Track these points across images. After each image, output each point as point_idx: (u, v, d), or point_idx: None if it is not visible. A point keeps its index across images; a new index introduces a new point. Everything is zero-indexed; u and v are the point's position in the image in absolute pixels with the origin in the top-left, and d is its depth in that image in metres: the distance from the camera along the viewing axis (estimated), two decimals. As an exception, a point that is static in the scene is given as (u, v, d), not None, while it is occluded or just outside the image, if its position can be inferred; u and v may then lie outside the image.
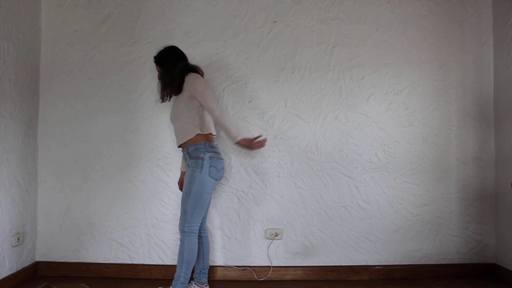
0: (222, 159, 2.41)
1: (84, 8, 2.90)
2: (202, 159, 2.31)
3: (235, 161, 2.87)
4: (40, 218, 2.88)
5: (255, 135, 2.83)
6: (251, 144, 2.31)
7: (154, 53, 2.46)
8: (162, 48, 2.47)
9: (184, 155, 2.45)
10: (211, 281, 2.78)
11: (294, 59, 2.89)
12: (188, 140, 2.35)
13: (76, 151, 2.87)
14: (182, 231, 2.34)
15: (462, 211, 2.90)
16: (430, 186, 2.89)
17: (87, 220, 2.87)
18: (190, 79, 2.34)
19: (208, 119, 2.44)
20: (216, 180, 2.36)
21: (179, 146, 2.43)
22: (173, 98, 2.50)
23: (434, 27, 2.92)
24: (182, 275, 2.35)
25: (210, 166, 2.32)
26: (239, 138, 2.30)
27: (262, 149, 2.85)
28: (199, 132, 2.35)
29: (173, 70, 2.38)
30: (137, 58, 2.88)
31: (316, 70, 2.89)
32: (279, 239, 2.86)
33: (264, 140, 2.34)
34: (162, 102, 2.49)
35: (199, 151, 2.33)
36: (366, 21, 2.91)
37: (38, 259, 2.87)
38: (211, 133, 2.44)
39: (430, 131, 2.90)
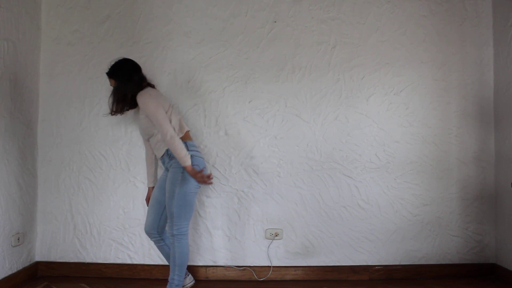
0: (203, 158, 2.40)
1: (84, 8, 2.90)
2: None
3: (235, 161, 2.87)
4: (40, 218, 2.88)
5: (255, 136, 2.85)
6: (195, 175, 2.26)
7: (107, 68, 2.42)
8: (116, 61, 2.42)
9: (163, 161, 2.42)
10: (211, 281, 2.79)
11: (294, 59, 2.89)
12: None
13: (76, 151, 2.87)
14: (172, 234, 2.33)
15: (462, 211, 2.90)
16: (430, 186, 2.89)
17: (87, 220, 2.87)
18: (141, 100, 2.28)
19: (179, 118, 2.40)
20: None
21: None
22: (131, 111, 2.47)
23: (434, 27, 2.92)
24: (175, 278, 2.35)
25: (192, 165, 2.29)
26: (188, 164, 2.25)
27: (262, 149, 2.86)
28: (179, 135, 2.33)
29: (127, 84, 2.35)
30: (137, 58, 2.87)
31: (316, 70, 2.89)
32: (279, 239, 2.86)
33: (210, 178, 2.28)
34: (112, 115, 2.45)
35: None
36: (366, 21, 2.91)
37: (38, 259, 2.88)
38: (187, 131, 2.42)
39: (430, 131, 2.90)
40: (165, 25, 2.89)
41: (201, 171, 2.26)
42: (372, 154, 2.88)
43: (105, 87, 2.86)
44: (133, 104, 2.42)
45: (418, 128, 2.90)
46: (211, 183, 2.31)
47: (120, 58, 2.44)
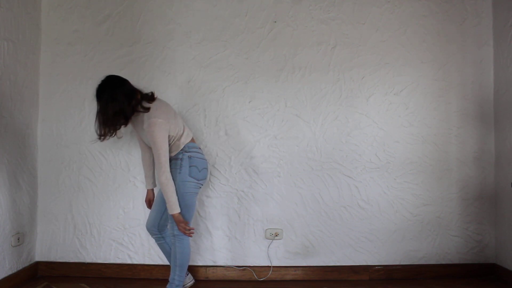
0: (204, 159, 2.39)
1: (84, 8, 2.90)
2: (181, 159, 2.29)
3: (235, 161, 2.87)
4: (40, 218, 2.88)
5: (255, 136, 2.85)
6: (179, 224, 2.26)
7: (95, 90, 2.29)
8: (99, 83, 2.28)
9: None
10: (211, 281, 2.79)
11: (294, 59, 2.89)
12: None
13: (76, 151, 2.87)
14: (173, 234, 2.33)
15: (462, 211, 2.90)
16: (430, 186, 2.89)
17: (87, 220, 2.87)
18: (149, 130, 2.20)
19: (183, 129, 2.37)
20: (198, 180, 2.33)
21: None
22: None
23: (434, 27, 2.92)
24: (176, 278, 2.35)
25: (190, 166, 2.29)
26: (175, 212, 2.24)
27: (262, 149, 2.86)
28: (183, 147, 2.32)
29: (112, 104, 2.20)
30: (137, 58, 2.88)
31: (316, 70, 2.89)
32: (279, 239, 2.86)
33: (191, 232, 2.30)
34: (103, 140, 2.29)
35: (178, 152, 2.32)
36: (366, 21, 2.91)
37: (38, 259, 2.88)
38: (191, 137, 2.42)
39: (430, 131, 2.90)
40: (165, 25, 2.89)
41: (185, 222, 2.28)
42: (372, 154, 2.88)
43: (105, 87, 2.87)
44: (125, 121, 2.30)
45: (418, 128, 2.90)
46: (190, 235, 2.31)
47: (103, 78, 2.30)
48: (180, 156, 2.30)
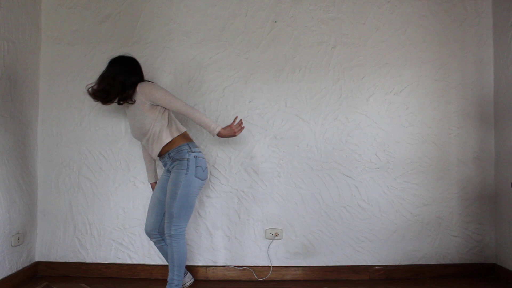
0: (204, 158, 2.40)
1: (84, 8, 2.90)
2: (188, 159, 2.28)
3: (235, 161, 2.87)
4: (40, 218, 2.88)
5: (255, 136, 2.86)
6: (232, 131, 2.29)
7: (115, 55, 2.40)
8: (126, 55, 2.41)
9: (164, 162, 2.41)
10: (211, 281, 2.79)
11: (294, 59, 2.89)
12: (169, 143, 2.32)
13: (76, 151, 2.87)
14: (169, 235, 2.30)
15: (462, 211, 2.90)
16: (430, 186, 2.89)
17: (87, 220, 2.87)
18: (145, 90, 2.28)
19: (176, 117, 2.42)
20: (202, 180, 2.34)
21: (159, 155, 2.39)
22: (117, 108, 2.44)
23: (434, 27, 2.92)
24: (175, 278, 2.34)
25: (196, 166, 2.29)
26: (219, 128, 2.28)
27: (262, 149, 2.86)
28: (178, 134, 2.33)
29: (129, 78, 2.31)
30: (137, 58, 2.85)
31: (316, 70, 2.89)
32: (279, 239, 2.86)
33: (241, 121, 2.33)
34: (103, 103, 2.35)
35: (183, 152, 2.30)
36: (366, 21, 2.91)
37: (38, 259, 2.88)
38: (185, 131, 2.42)
39: (430, 131, 2.90)
40: (165, 25, 2.89)
41: (233, 123, 2.30)
42: (372, 154, 2.88)
43: (105, 87, 2.86)
44: (121, 98, 2.35)
45: (418, 128, 2.90)
46: (243, 127, 2.36)
47: (124, 55, 2.43)
48: (187, 156, 2.29)
